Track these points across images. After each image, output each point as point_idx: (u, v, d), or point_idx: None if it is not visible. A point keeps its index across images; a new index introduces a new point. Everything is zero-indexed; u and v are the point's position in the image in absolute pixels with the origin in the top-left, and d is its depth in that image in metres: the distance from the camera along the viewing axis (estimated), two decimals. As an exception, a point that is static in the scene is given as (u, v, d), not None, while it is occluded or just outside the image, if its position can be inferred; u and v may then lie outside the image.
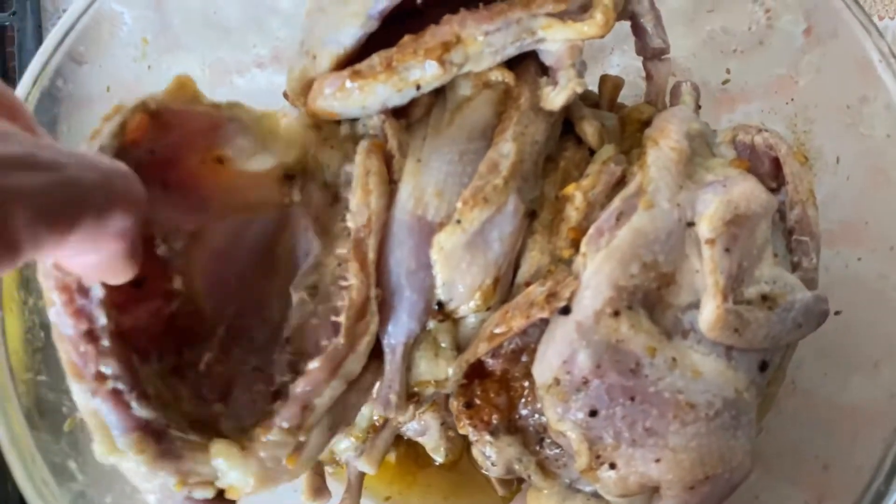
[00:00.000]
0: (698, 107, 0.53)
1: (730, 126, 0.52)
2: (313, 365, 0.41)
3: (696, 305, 0.44)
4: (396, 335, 0.48)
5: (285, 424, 0.40)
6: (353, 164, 0.47)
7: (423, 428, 0.55)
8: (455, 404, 0.47)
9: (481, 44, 0.48)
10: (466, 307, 0.48)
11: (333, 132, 0.49)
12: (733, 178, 0.46)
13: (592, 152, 0.52)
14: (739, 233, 0.44)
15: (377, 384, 0.48)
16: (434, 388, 0.49)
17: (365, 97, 0.47)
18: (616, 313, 0.42)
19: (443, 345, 0.49)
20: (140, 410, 0.38)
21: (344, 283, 0.44)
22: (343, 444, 0.53)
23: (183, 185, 0.42)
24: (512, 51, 0.49)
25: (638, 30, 0.54)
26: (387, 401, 0.49)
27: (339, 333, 0.43)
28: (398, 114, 0.51)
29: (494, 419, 0.46)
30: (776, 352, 0.44)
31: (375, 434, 0.53)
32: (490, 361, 0.47)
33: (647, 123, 0.53)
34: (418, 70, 0.48)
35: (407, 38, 0.48)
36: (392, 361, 0.48)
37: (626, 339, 0.42)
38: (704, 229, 0.44)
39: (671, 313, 0.44)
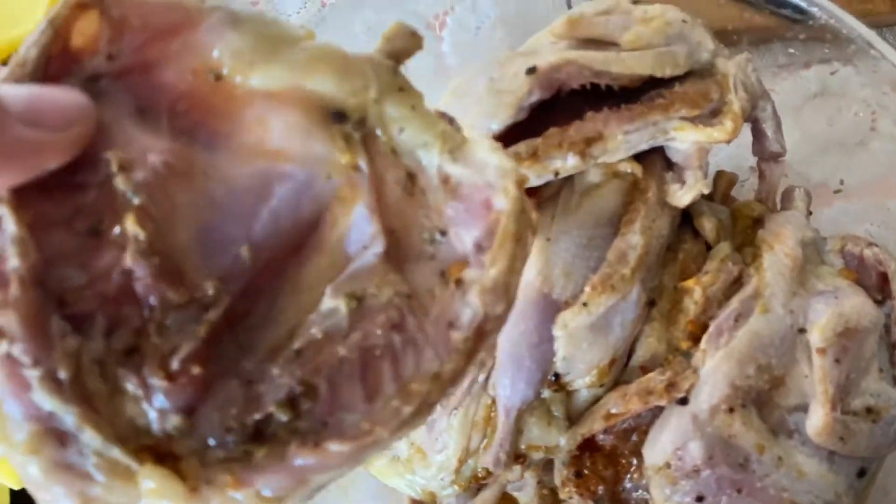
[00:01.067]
0: (809, 213, 0.57)
1: (839, 235, 0.55)
2: (335, 448, 0.29)
3: (802, 408, 0.48)
4: (513, 399, 0.52)
5: (266, 493, 0.28)
6: (448, 159, 0.32)
7: (521, 484, 0.59)
8: (565, 472, 0.51)
9: (620, 141, 0.52)
10: (582, 381, 0.52)
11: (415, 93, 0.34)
12: (844, 291, 0.50)
13: (708, 246, 0.56)
14: (849, 345, 0.48)
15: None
16: (544, 454, 0.53)
17: (508, 181, 0.52)
18: (731, 410, 0.46)
19: (556, 413, 0.53)
20: (42, 396, 0.27)
21: (400, 337, 0.31)
22: (446, 491, 0.57)
23: (172, 110, 0.32)
24: (644, 146, 0.53)
25: (758, 133, 0.58)
26: (497, 459, 0.53)
27: (378, 414, 0.30)
28: (529, 192, 0.55)
29: (600, 490, 0.50)
30: (874, 460, 0.48)
31: (478, 484, 0.57)
32: (602, 436, 0.51)
33: (758, 221, 0.57)
34: (560, 160, 0.52)
35: (552, 130, 0.52)
36: (506, 423, 0.53)
37: (738, 434, 0.46)
38: (816, 338, 0.48)
39: (778, 413, 0.48)
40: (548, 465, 0.56)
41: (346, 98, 0.32)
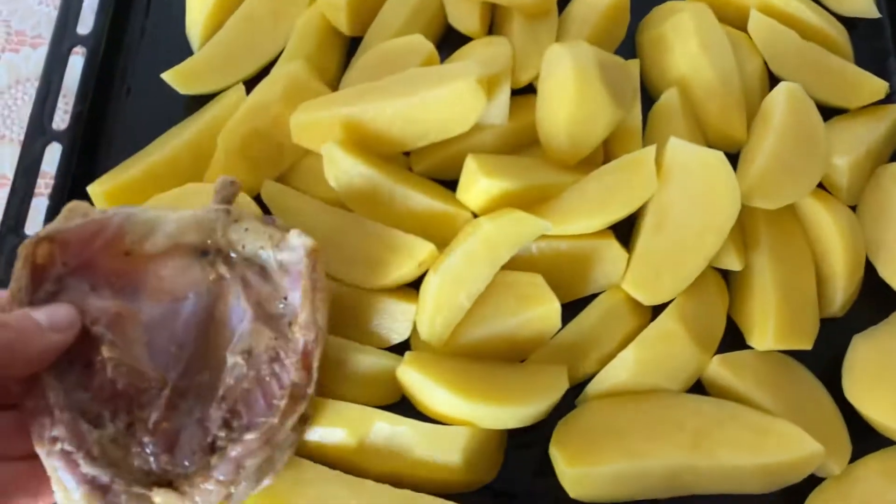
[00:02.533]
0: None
1: None
2: (249, 436, 0.50)
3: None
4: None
5: (221, 477, 0.49)
6: (276, 251, 0.55)
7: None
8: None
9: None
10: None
11: (246, 216, 0.56)
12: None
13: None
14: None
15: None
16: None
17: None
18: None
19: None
20: (87, 468, 0.46)
21: (277, 365, 0.53)
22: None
23: (108, 281, 0.53)
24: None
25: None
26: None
27: (273, 412, 0.51)
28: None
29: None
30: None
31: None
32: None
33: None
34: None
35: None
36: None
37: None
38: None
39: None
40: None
41: (204, 240, 0.53)
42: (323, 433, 0.57)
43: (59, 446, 0.46)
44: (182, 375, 0.52)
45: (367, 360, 0.60)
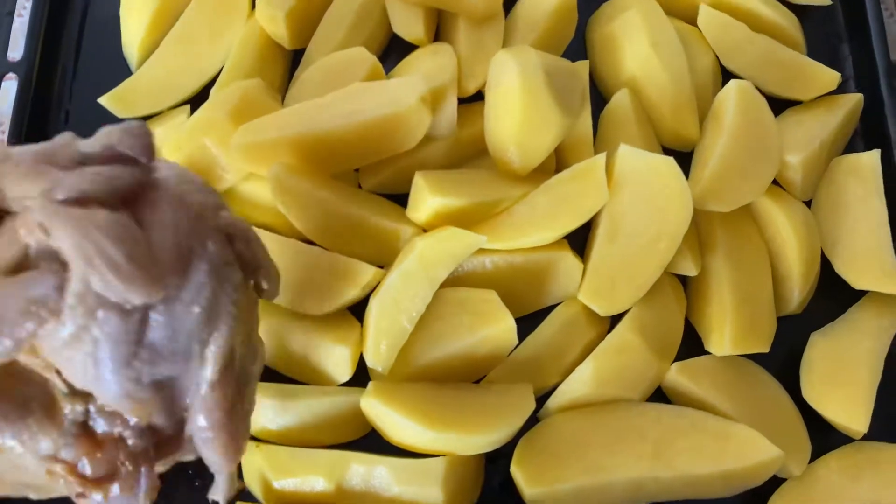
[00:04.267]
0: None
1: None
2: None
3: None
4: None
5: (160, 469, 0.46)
6: None
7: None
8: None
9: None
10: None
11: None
12: None
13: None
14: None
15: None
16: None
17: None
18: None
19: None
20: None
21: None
22: None
23: None
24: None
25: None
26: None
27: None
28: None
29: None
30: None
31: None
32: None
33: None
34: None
35: None
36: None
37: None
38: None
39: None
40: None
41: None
42: (299, 483, 0.57)
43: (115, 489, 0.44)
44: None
45: (328, 401, 0.59)
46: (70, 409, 0.42)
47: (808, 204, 0.68)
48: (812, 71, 0.70)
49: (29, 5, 0.74)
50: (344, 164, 0.64)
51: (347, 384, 0.61)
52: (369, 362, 0.60)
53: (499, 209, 0.63)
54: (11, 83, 0.71)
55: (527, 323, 0.62)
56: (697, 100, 0.68)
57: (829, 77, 0.70)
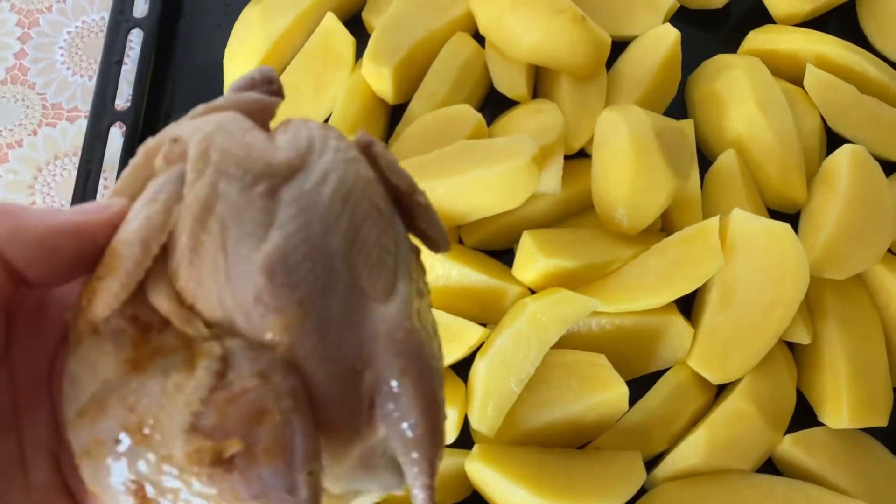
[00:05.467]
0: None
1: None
2: None
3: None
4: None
5: None
6: None
7: None
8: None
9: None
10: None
11: None
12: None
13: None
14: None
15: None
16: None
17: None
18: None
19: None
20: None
21: None
22: None
23: None
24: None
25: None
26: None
27: None
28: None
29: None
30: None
31: None
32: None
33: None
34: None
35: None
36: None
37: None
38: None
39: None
40: None
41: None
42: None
43: None
44: None
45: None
46: (207, 361, 0.28)
47: (920, 270, 0.66)
48: (922, 134, 0.69)
49: (133, 53, 0.76)
50: (447, 222, 0.64)
51: (450, 446, 0.60)
52: (474, 424, 0.59)
53: (608, 270, 0.62)
54: (117, 130, 0.72)
55: (632, 388, 0.61)
56: (804, 163, 0.67)
57: (941, 140, 0.68)
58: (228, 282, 0.28)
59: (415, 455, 0.27)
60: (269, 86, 0.34)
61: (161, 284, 0.28)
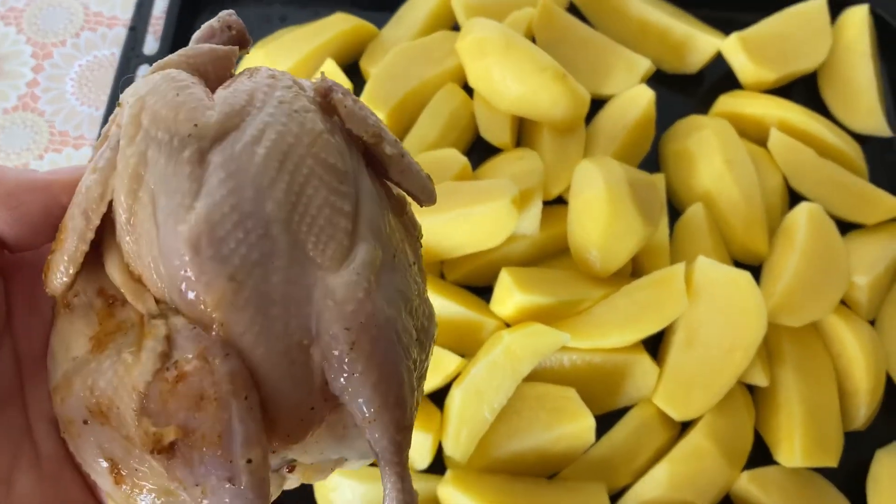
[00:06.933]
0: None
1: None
2: None
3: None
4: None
5: None
6: None
7: None
8: None
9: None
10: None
11: None
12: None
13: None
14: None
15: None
16: None
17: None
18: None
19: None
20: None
21: None
22: None
23: None
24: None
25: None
26: None
27: None
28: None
29: None
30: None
31: None
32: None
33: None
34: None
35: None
36: None
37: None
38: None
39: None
40: None
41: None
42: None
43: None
44: None
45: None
46: (152, 342, 0.26)
47: (872, 322, 0.70)
48: (875, 196, 0.74)
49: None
50: (430, 257, 0.68)
51: (424, 471, 0.63)
52: (448, 450, 0.62)
53: (580, 308, 0.66)
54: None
55: (599, 422, 0.64)
56: (767, 218, 0.72)
57: (891, 203, 0.73)
58: (162, 256, 0.26)
59: (376, 434, 0.26)
60: (228, 32, 0.32)
61: (115, 255, 0.28)
